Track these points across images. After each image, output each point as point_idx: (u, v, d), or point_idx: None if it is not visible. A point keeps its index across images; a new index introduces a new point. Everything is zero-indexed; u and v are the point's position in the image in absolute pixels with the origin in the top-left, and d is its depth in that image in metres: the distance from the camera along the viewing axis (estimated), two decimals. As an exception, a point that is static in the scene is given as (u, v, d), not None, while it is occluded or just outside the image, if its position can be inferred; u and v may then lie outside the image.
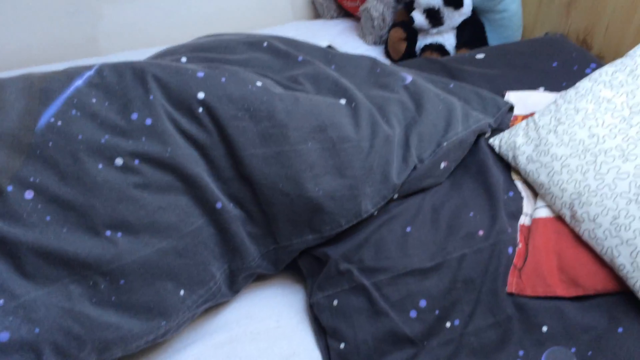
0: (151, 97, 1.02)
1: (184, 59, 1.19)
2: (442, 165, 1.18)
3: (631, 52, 1.20)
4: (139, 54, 1.93)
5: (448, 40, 1.89)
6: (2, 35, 1.86)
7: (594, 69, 1.41)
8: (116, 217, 0.95)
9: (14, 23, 1.84)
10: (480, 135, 1.26)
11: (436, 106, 1.22)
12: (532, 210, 1.10)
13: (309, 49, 1.33)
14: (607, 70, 1.19)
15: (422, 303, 1.00)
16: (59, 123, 0.97)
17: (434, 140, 1.18)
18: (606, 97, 1.13)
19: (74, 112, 0.99)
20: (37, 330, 0.86)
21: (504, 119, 1.31)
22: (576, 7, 1.68)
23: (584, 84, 1.18)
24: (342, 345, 1.00)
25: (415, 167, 1.14)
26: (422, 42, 1.91)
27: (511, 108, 1.34)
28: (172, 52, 1.26)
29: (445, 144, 1.17)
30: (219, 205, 1.02)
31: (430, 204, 1.13)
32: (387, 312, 1.00)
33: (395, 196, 1.14)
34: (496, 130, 1.29)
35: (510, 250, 1.02)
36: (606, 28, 1.58)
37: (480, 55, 1.55)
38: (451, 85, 1.36)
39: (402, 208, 1.13)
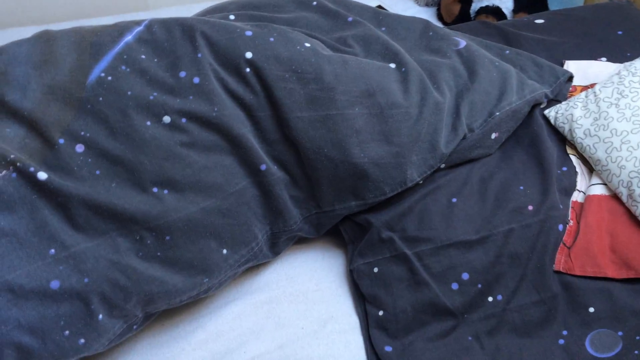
0: (199, 55, 1.01)
1: (232, 17, 1.17)
2: (493, 135, 1.14)
3: None
4: (187, 10, 1.92)
5: (505, 3, 1.81)
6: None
7: (662, 41, 1.33)
8: (163, 174, 0.96)
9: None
10: (535, 105, 1.21)
11: (490, 73, 1.17)
12: (586, 187, 1.06)
13: (359, 9, 1.29)
14: (677, 42, 1.11)
15: (465, 276, 0.98)
16: (109, 78, 0.98)
17: (486, 110, 1.13)
18: (675, 70, 1.06)
19: (123, 67, 0.99)
20: (86, 280, 0.88)
21: (562, 89, 1.26)
22: (646, -28, 1.58)
23: (651, 56, 1.11)
24: (380, 313, 1.00)
25: (464, 137, 1.11)
26: (477, 4, 1.84)
27: (570, 78, 1.28)
28: (221, 9, 1.24)
29: (497, 113, 1.13)
30: (263, 167, 1.02)
31: (479, 175, 1.10)
32: (428, 282, 0.99)
33: (442, 166, 1.11)
34: (553, 101, 1.23)
35: (560, 227, 0.99)
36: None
37: (539, 20, 1.46)
38: (507, 52, 1.31)
39: (449, 178, 1.10)
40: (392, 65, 1.13)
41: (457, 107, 1.13)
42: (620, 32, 1.39)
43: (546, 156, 1.09)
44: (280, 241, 1.08)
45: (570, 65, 1.31)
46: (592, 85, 1.23)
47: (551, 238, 0.98)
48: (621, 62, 1.29)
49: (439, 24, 1.85)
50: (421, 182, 1.10)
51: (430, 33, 1.26)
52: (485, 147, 1.14)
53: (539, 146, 1.11)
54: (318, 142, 1.02)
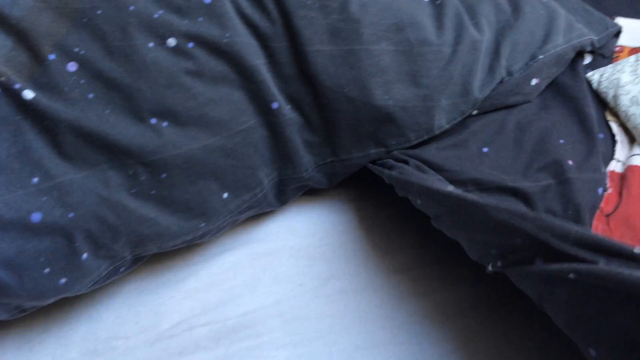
0: (213, -28, 0.89)
1: None
2: (534, 82, 1.03)
3: None
4: None
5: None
6: None
7: None
8: (164, 103, 0.86)
9: None
10: (578, 54, 1.10)
11: (536, 10, 1.06)
12: (626, 158, 0.97)
13: None
14: None
15: None
16: (110, -11, 0.86)
17: (529, 51, 1.03)
18: None
19: (126, -21, 0.87)
20: (71, 215, 0.80)
21: (609, 43, 1.15)
22: None
23: None
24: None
25: (502, 81, 1.01)
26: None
27: (618, 32, 1.17)
28: None
29: (541, 57, 1.02)
30: (275, 105, 0.92)
31: (515, 121, 1.00)
32: None
33: (475, 112, 1.01)
34: (596, 56, 1.13)
35: (600, 190, 0.90)
36: None
37: None
38: None
39: (482, 124, 1.00)
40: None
41: (497, 46, 1.02)
42: None
43: (589, 114, 0.99)
44: (288, 189, 0.99)
45: (621, 22, 1.20)
46: (641, 49, 1.13)
47: (589, 200, 0.89)
48: (676, 24, 1.20)
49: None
50: (450, 128, 1.00)
51: None
52: (524, 94, 1.03)
53: (582, 102, 1.01)
54: (338, 80, 0.92)
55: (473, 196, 0.77)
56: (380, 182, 1.04)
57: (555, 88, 1.06)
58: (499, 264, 0.74)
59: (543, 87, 1.05)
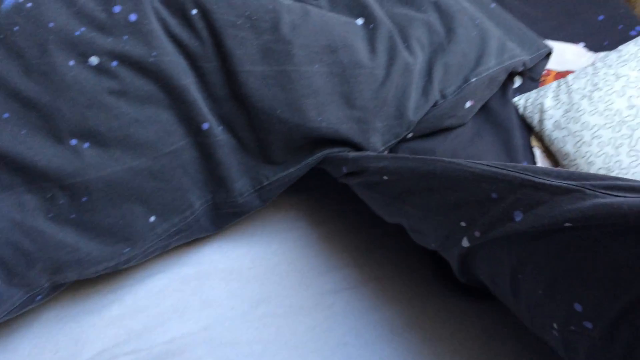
0: (139, -11, 0.87)
1: None
2: (468, 104, 1.04)
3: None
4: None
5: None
6: None
7: (639, 33, 1.28)
8: (85, 124, 0.82)
9: None
10: (509, 78, 1.12)
11: (469, 32, 1.06)
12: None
13: None
14: (655, 36, 1.06)
15: None
16: (29, 4, 0.82)
17: (462, 74, 1.03)
18: (651, 66, 1.00)
19: (47, -7, 0.84)
20: (-20, 241, 0.75)
21: (539, 66, 1.17)
22: (625, -38, 1.52)
23: (628, 48, 1.05)
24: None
25: (436, 104, 1.01)
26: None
27: (549, 54, 1.19)
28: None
29: (474, 79, 1.02)
30: (205, 126, 0.90)
31: (451, 148, 1.01)
32: None
33: (410, 135, 1.01)
34: (525, 79, 1.16)
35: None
36: (654, -11, 1.43)
37: None
38: (492, 5, 1.20)
39: (416, 150, 1.01)
40: (360, 21, 1.01)
41: (430, 69, 1.02)
42: (601, 18, 1.33)
43: (515, 143, 1.01)
44: (223, 213, 0.97)
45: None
46: (566, 73, 1.16)
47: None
48: (598, 50, 1.24)
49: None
50: (386, 152, 1.00)
51: None
52: (459, 117, 1.04)
53: (510, 130, 1.04)
54: (270, 102, 0.91)
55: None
56: (313, 200, 1.03)
57: (487, 114, 1.08)
58: (476, 234, 0.71)
59: (477, 108, 1.07)
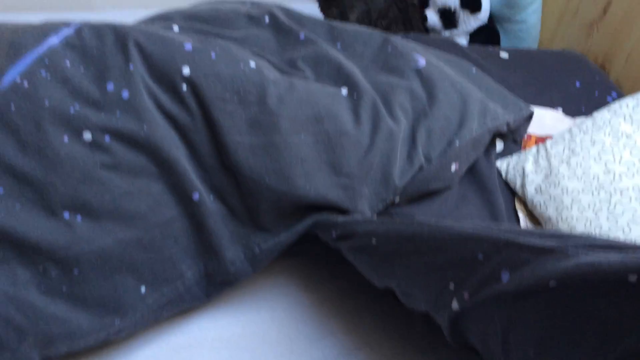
0: (131, 67, 0.91)
1: (175, 28, 1.08)
2: (453, 167, 1.06)
3: (657, 86, 1.13)
4: (133, 14, 1.80)
5: (460, 41, 1.80)
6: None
7: (615, 99, 1.33)
8: (77, 198, 0.85)
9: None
10: (492, 140, 1.16)
11: (450, 97, 1.10)
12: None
13: (313, 24, 1.22)
14: (628, 102, 1.11)
15: None
16: (25, 84, 0.86)
17: (445, 137, 1.06)
18: (626, 131, 1.05)
19: (43, 73, 0.88)
20: (-30, 316, 0.76)
21: (521, 128, 1.20)
22: (599, 29, 1.60)
23: (602, 115, 1.10)
24: None
25: (421, 168, 1.04)
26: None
27: (530, 116, 1.22)
28: (165, 18, 1.15)
29: (457, 142, 1.06)
30: (196, 196, 0.92)
31: (438, 213, 1.03)
32: None
33: (397, 199, 1.04)
34: (507, 141, 1.19)
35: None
36: (628, 56, 1.50)
37: (504, 55, 1.45)
38: (474, 70, 1.24)
39: (404, 216, 1.03)
40: (344, 90, 1.06)
41: (414, 134, 1.05)
42: (578, 84, 1.40)
43: (500, 207, 1.04)
44: (215, 282, 0.97)
45: None
46: (546, 137, 1.20)
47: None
48: (576, 115, 1.30)
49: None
50: (374, 217, 1.02)
51: (389, 48, 1.18)
52: (445, 180, 1.07)
53: (494, 194, 1.06)
54: (259, 171, 0.93)
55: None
56: (303, 264, 1.04)
57: (472, 176, 1.11)
58: (465, 295, 0.71)
59: (463, 171, 1.09)
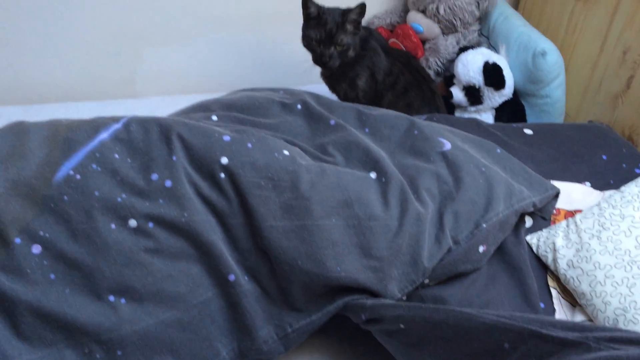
0: (174, 158, 0.98)
1: (214, 117, 1.16)
2: (481, 249, 1.07)
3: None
4: (174, 100, 1.93)
5: (486, 119, 1.84)
6: (45, 68, 1.87)
7: (643, 171, 1.34)
8: (122, 281, 0.90)
9: (58, 57, 1.86)
10: (521, 219, 1.16)
11: (476, 180, 1.13)
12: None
13: (343, 109, 1.28)
14: (657, 175, 1.12)
15: None
16: (78, 177, 0.94)
17: (472, 220, 1.08)
18: (655, 205, 1.05)
19: (94, 166, 0.95)
20: (20, 399, 0.80)
21: (549, 205, 1.21)
22: (624, 102, 1.62)
23: (630, 189, 1.11)
24: None
25: (449, 250, 1.05)
26: (459, 115, 1.87)
27: (557, 195, 1.23)
28: (205, 108, 1.23)
29: (484, 225, 1.07)
30: (231, 277, 0.96)
31: (467, 297, 1.03)
32: None
33: (427, 281, 1.05)
34: (537, 217, 1.19)
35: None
36: (655, 127, 1.51)
37: (529, 131, 1.46)
38: (498, 150, 1.27)
39: (433, 298, 1.03)
40: (372, 175, 1.10)
41: (441, 217, 1.08)
42: (604, 157, 1.39)
43: (530, 285, 1.04)
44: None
45: (556, 185, 1.28)
46: (575, 212, 1.21)
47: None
48: (604, 188, 1.29)
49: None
50: (405, 298, 1.03)
51: (416, 132, 1.22)
52: (473, 262, 1.07)
53: (524, 272, 1.06)
54: (292, 254, 0.97)
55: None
56: (337, 342, 1.05)
57: (501, 256, 1.11)
58: None
59: (491, 252, 1.10)
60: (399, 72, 1.62)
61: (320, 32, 1.45)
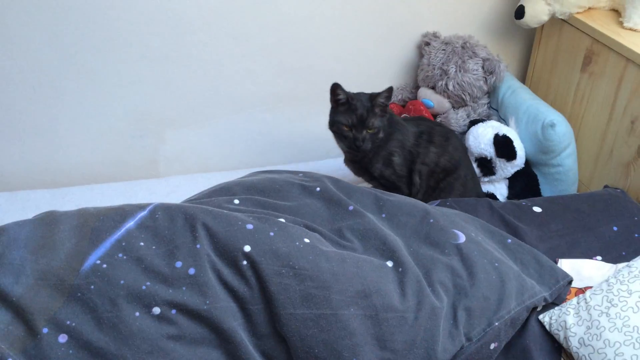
0: (198, 246, 1.03)
1: (236, 201, 1.21)
2: (492, 346, 1.08)
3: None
4: (194, 178, 1.99)
5: (500, 189, 1.87)
6: (73, 152, 1.96)
7: (656, 239, 1.33)
8: (145, 369, 0.93)
9: (85, 142, 1.95)
10: (532, 309, 1.17)
11: (489, 276, 1.15)
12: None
13: (361, 194, 1.32)
14: (666, 248, 1.12)
15: None
16: (104, 266, 0.98)
17: (485, 317, 1.09)
18: (665, 279, 1.06)
19: (120, 255, 1.00)
20: None
21: (561, 293, 1.21)
22: (635, 169, 1.65)
23: (638, 264, 1.12)
24: None
25: (462, 347, 1.06)
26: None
27: (570, 282, 1.24)
28: (227, 191, 1.28)
29: (496, 323, 1.08)
30: (250, 362, 0.99)
31: None
32: None
33: None
34: (546, 305, 1.20)
35: None
36: (668, 194, 1.52)
37: (537, 209, 1.47)
38: (509, 241, 1.29)
39: None
40: (389, 264, 1.13)
41: (455, 312, 1.09)
42: (615, 229, 1.39)
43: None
44: None
45: (564, 265, 1.29)
46: (585, 289, 1.22)
47: None
48: (616, 262, 1.29)
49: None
50: None
51: (431, 220, 1.25)
52: (484, 358, 1.08)
53: (533, 356, 1.07)
54: (309, 342, 0.99)
55: None
56: None
57: (506, 346, 1.12)
58: None
59: (501, 348, 1.10)
60: (429, 129, 1.64)
61: (352, 117, 1.49)
